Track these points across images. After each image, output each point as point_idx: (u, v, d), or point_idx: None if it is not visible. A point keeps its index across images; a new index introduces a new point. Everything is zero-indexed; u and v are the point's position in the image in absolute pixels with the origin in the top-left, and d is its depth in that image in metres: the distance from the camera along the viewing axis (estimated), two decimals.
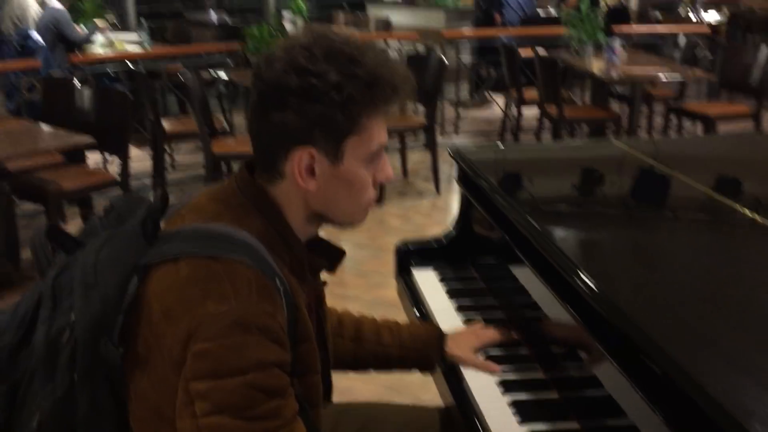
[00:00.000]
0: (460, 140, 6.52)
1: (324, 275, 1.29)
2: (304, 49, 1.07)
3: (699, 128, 5.63)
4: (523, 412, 1.36)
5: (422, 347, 1.51)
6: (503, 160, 2.19)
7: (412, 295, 1.89)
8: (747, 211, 1.59)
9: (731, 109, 5.28)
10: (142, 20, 6.46)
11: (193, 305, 1.01)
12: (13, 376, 1.10)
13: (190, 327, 1.00)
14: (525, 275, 1.67)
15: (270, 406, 1.01)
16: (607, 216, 1.75)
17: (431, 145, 5.06)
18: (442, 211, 4.83)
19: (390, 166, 1.20)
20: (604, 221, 1.71)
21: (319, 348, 1.19)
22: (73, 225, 4.44)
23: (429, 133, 5.06)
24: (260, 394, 1.00)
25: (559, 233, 1.57)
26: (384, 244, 4.19)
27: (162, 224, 1.15)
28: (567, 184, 1.94)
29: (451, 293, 1.83)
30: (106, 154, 5.10)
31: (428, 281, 1.91)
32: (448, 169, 5.72)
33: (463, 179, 1.96)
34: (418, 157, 5.91)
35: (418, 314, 1.81)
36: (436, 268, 1.96)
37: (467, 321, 1.70)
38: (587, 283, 1.24)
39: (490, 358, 1.53)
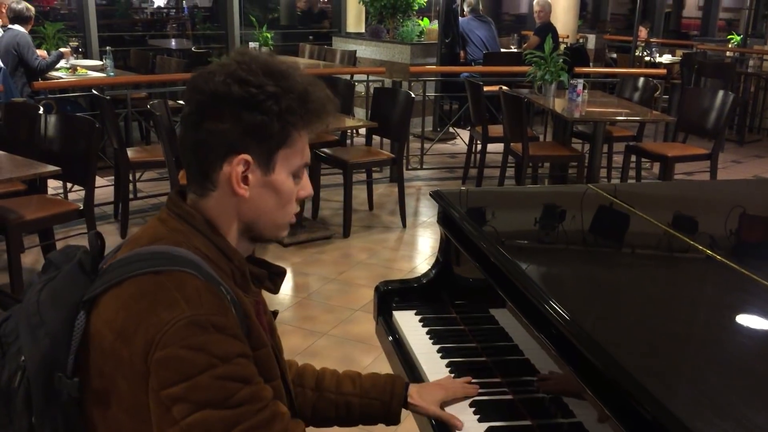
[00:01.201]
0: (425, 174, 6.57)
1: (280, 306, 1.31)
2: (242, 63, 1.12)
3: (657, 168, 5.77)
4: None
5: (384, 397, 1.47)
6: (485, 202, 2.22)
7: (393, 338, 1.88)
8: (703, 248, 1.64)
9: (688, 151, 5.44)
10: (108, 48, 6.37)
11: (144, 317, 1.03)
12: None
13: (147, 338, 1.01)
14: (505, 317, 1.69)
15: (247, 391, 1.04)
16: (586, 257, 1.79)
17: (398, 179, 5.09)
18: (409, 245, 4.84)
19: (310, 184, 1.26)
20: (584, 262, 1.74)
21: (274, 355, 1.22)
22: (31, 256, 4.31)
23: (397, 166, 5.09)
24: (235, 383, 1.03)
25: (540, 273, 1.60)
26: (350, 278, 4.17)
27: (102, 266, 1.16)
28: (548, 227, 1.97)
29: (432, 335, 1.83)
30: (68, 183, 5.00)
31: (410, 324, 1.91)
32: (414, 203, 5.76)
33: (444, 220, 1.98)
34: (383, 191, 5.94)
35: (400, 357, 1.80)
36: (417, 310, 1.96)
37: (449, 364, 1.70)
38: (577, 328, 1.27)
39: (474, 403, 1.53)
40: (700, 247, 1.71)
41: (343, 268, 4.30)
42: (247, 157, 1.13)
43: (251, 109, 1.10)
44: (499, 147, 5.72)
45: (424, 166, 6.66)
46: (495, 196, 2.50)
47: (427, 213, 5.46)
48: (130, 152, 4.77)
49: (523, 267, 1.55)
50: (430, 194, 2.06)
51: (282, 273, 1.30)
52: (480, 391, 1.56)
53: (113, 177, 5.18)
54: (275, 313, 1.35)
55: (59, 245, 4.14)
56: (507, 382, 1.61)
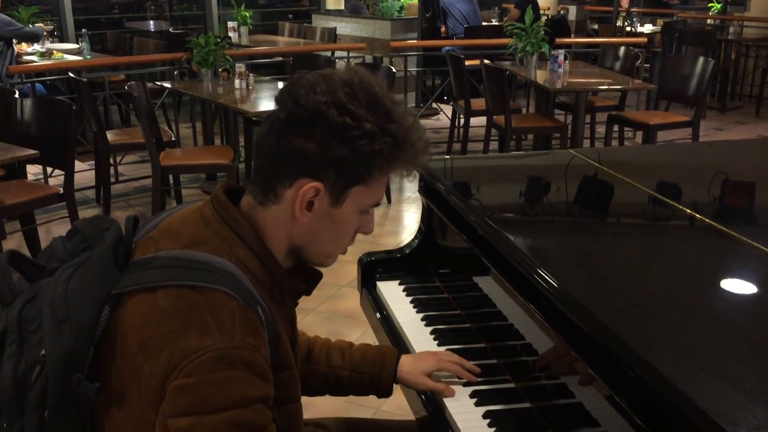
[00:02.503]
0: None
1: None
2: (348, 86, 1.05)
3: (639, 137, 5.79)
4: (497, 422, 1.36)
5: (374, 371, 1.44)
6: (465, 170, 2.21)
7: (377, 307, 1.88)
8: (689, 210, 1.65)
9: (670, 118, 5.45)
10: (84, 30, 6.27)
11: (173, 338, 0.98)
12: None
13: (171, 361, 0.96)
14: (488, 285, 1.69)
15: None
16: (563, 219, 1.79)
17: None
18: (394, 220, 4.84)
19: (373, 222, 1.19)
20: (560, 224, 1.75)
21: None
22: (13, 242, 4.27)
23: None
24: (243, 431, 0.97)
25: (522, 237, 1.59)
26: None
27: (133, 247, 1.11)
28: (531, 193, 1.97)
29: (416, 304, 1.83)
30: (48, 168, 4.95)
31: (393, 293, 1.90)
32: (399, 179, 5.75)
33: (425, 189, 1.97)
34: None
35: (385, 326, 1.80)
36: (400, 280, 1.96)
37: (434, 331, 1.70)
38: (549, 281, 1.28)
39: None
40: (685, 210, 1.72)
41: None
42: (320, 185, 1.06)
43: (342, 141, 1.04)
44: (482, 120, 5.71)
45: None
46: (477, 164, 2.49)
47: (411, 188, 5.45)
48: (110, 135, 4.72)
49: (507, 234, 1.54)
50: None
51: (318, 277, 1.23)
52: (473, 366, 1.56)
53: (93, 162, 5.13)
54: (296, 303, 1.28)
55: (41, 231, 4.11)
56: (492, 348, 1.62)
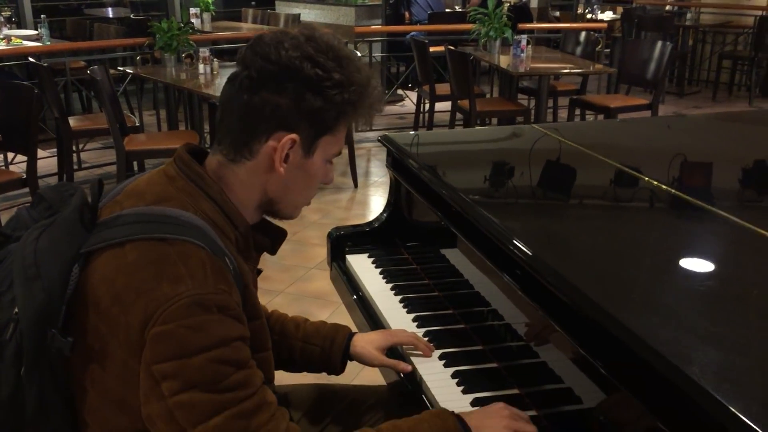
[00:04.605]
0: (375, 135, 6.57)
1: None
2: (312, 40, 1.09)
3: (600, 119, 5.88)
4: (465, 381, 1.41)
5: (325, 344, 1.45)
6: (431, 144, 2.25)
7: (347, 279, 1.92)
8: (650, 180, 1.71)
9: (630, 101, 5.57)
10: (43, 16, 6.15)
11: (146, 288, 1.00)
12: None
13: (147, 310, 0.99)
14: (455, 256, 1.74)
15: (238, 376, 1.03)
16: (526, 188, 1.84)
17: (348, 140, 5.09)
18: (361, 204, 4.87)
19: (333, 172, 1.23)
20: (524, 192, 1.80)
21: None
22: None
23: None
24: (228, 367, 1.01)
25: (488, 205, 1.63)
26: (304, 238, 4.19)
27: (99, 212, 1.13)
28: (493, 162, 2.02)
29: (386, 274, 1.87)
30: (10, 154, 4.87)
31: (362, 265, 1.94)
32: (365, 164, 5.78)
33: (394, 164, 2.01)
34: None
35: (355, 297, 1.83)
36: (369, 253, 2.00)
37: (402, 300, 1.74)
38: (519, 247, 1.32)
39: (429, 333, 1.58)
40: (645, 178, 1.78)
41: (297, 228, 4.30)
42: (296, 137, 1.11)
43: (315, 92, 1.08)
44: (447, 105, 5.76)
45: (373, 128, 6.67)
46: (442, 138, 2.53)
47: (377, 173, 5.49)
48: (72, 121, 4.66)
49: (473, 202, 1.59)
50: (378, 139, 2.09)
51: (283, 236, 1.27)
52: (435, 328, 1.60)
53: (55, 149, 5.05)
54: (259, 272, 1.32)
55: (4, 216, 4.05)
56: (459, 314, 1.66)
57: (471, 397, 1.37)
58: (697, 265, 1.31)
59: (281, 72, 1.08)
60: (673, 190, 1.69)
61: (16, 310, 1.03)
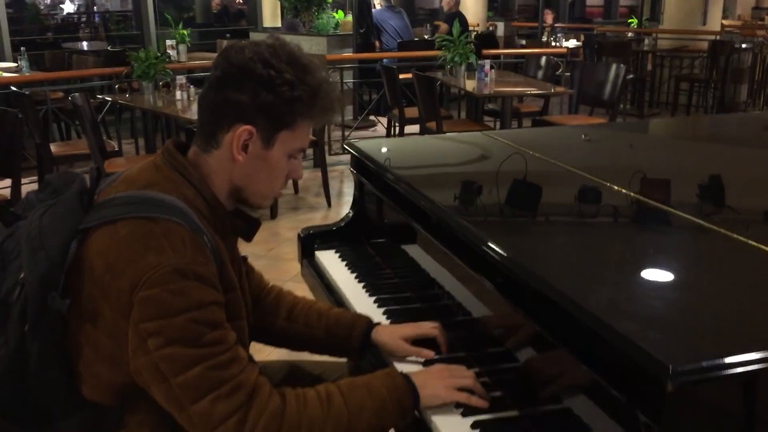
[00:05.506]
0: (347, 158, 6.78)
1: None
2: (271, 48, 1.28)
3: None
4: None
5: (345, 333, 1.58)
6: (391, 149, 2.45)
7: (317, 272, 2.10)
8: (599, 179, 1.92)
9: (588, 121, 5.85)
10: (22, 48, 6.33)
11: (135, 259, 1.18)
12: None
13: (134, 277, 1.16)
14: (414, 251, 1.93)
15: (214, 335, 1.19)
16: (481, 181, 2.04)
17: (321, 163, 5.31)
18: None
19: (301, 168, 1.41)
20: (479, 185, 1.99)
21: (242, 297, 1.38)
22: None
23: (319, 150, 5.30)
24: (204, 327, 1.18)
25: (443, 198, 1.79)
26: (279, 254, 4.37)
27: (96, 196, 1.31)
28: (449, 161, 2.23)
29: (351, 267, 2.06)
30: None
31: (330, 259, 2.13)
32: (338, 185, 5.99)
33: (356, 165, 2.21)
34: (307, 175, 6.13)
35: (323, 286, 2.01)
36: (336, 249, 2.19)
37: (365, 286, 1.92)
38: (470, 231, 1.52)
39: (388, 311, 1.76)
40: (587, 176, 1.99)
41: (272, 245, 4.48)
42: (252, 129, 1.27)
43: (267, 89, 1.25)
44: (416, 128, 6.00)
45: (345, 151, 6.89)
46: (399, 144, 2.73)
47: (350, 193, 5.67)
48: (53, 147, 4.82)
49: (430, 196, 1.75)
50: (344, 145, 2.29)
51: (257, 224, 1.45)
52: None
53: (36, 177, 5.19)
54: (245, 258, 1.51)
55: None
56: (416, 296, 1.85)
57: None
58: (627, 242, 1.51)
59: (239, 72, 1.26)
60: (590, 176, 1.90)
61: (23, 275, 1.20)
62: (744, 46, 8.13)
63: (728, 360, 0.94)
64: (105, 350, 1.23)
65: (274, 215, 5.01)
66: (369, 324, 1.61)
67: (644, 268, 1.30)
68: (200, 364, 1.17)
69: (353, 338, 1.59)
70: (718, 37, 8.59)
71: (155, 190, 1.27)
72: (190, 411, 1.17)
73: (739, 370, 0.93)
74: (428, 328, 1.59)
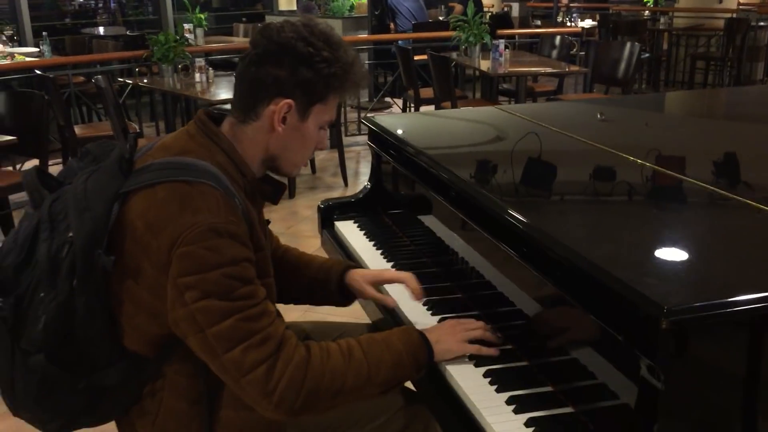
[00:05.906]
0: (363, 139, 6.87)
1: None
2: (308, 27, 1.38)
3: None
4: (435, 307, 1.69)
5: (326, 277, 1.70)
6: (408, 123, 2.53)
7: (336, 241, 2.20)
8: (614, 151, 1.99)
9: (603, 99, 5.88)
10: (44, 33, 6.46)
11: (173, 217, 1.27)
12: (18, 290, 1.33)
13: (173, 234, 1.26)
14: (431, 221, 2.01)
15: (246, 289, 1.29)
16: (495, 153, 2.12)
17: (338, 143, 5.40)
18: None
19: (327, 139, 1.51)
20: (493, 156, 2.08)
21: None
22: None
23: (335, 130, 5.39)
24: (237, 282, 1.28)
25: (452, 163, 1.86)
26: (298, 231, 4.48)
27: (134, 163, 1.41)
28: (455, 134, 2.31)
29: (369, 236, 2.15)
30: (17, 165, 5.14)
31: (349, 229, 2.22)
32: (355, 165, 6.08)
33: (374, 140, 2.29)
34: (324, 156, 6.22)
35: (343, 254, 2.11)
36: (354, 219, 2.28)
37: (383, 252, 2.02)
38: (485, 195, 1.60)
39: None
40: (602, 147, 2.07)
41: (291, 223, 4.59)
42: (291, 102, 1.36)
43: (306, 66, 1.34)
44: (431, 109, 6.06)
45: (362, 132, 6.98)
46: (415, 118, 2.80)
47: (366, 173, 5.76)
48: (77, 129, 4.94)
49: (441, 163, 1.86)
50: (361, 120, 2.37)
51: (283, 188, 1.55)
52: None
53: (60, 159, 5.33)
54: (268, 221, 1.61)
55: (16, 216, 4.31)
56: (431, 261, 1.94)
57: (437, 318, 1.65)
58: (635, 208, 1.59)
59: (280, 50, 1.36)
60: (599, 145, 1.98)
61: (71, 234, 1.30)
62: (761, 24, 8.09)
63: (719, 301, 1.02)
64: (145, 304, 1.33)
65: (292, 194, 5.11)
66: (346, 267, 1.71)
67: (650, 227, 1.39)
68: (233, 316, 1.26)
69: (330, 281, 1.69)
70: (734, 15, 8.54)
71: (190, 155, 1.36)
72: (223, 359, 1.26)
73: (729, 310, 1.01)
74: (393, 273, 1.73)
